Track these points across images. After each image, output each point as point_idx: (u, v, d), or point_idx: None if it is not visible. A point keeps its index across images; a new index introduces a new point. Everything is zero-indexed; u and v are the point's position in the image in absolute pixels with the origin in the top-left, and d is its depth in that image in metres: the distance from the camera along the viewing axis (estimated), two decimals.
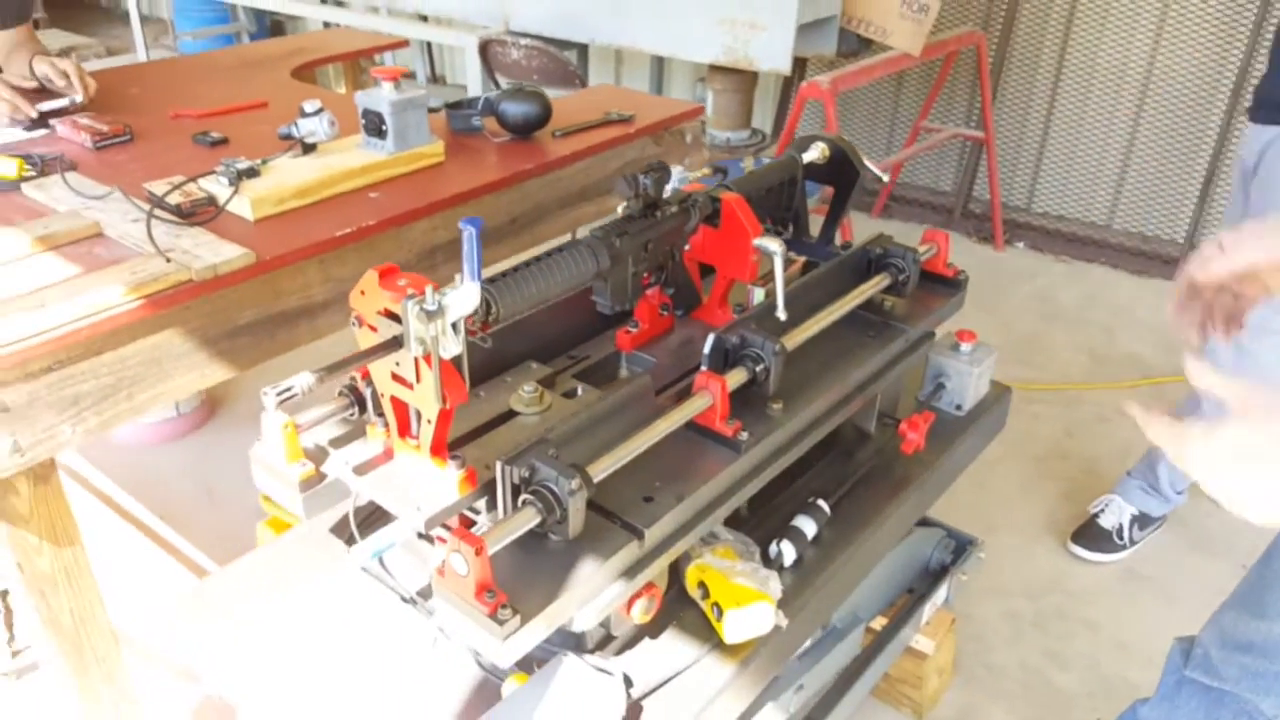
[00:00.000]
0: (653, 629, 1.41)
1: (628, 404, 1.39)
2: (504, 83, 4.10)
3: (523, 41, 3.86)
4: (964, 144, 4.78)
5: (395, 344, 1.13)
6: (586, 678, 1.22)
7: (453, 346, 1.12)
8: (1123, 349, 3.76)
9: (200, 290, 1.54)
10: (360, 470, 1.26)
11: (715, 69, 3.89)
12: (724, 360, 1.45)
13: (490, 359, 1.52)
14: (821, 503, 1.61)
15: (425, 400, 1.16)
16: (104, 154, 2.05)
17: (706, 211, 1.56)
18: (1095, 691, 2.22)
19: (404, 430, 1.24)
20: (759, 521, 1.64)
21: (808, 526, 1.56)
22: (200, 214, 1.72)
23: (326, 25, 5.53)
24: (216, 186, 1.77)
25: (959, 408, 1.93)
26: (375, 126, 1.93)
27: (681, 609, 1.45)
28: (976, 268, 4.41)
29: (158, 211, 1.69)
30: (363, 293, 1.16)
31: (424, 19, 4.90)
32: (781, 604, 1.43)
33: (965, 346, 1.92)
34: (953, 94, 4.79)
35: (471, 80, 4.27)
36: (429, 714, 1.32)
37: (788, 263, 1.85)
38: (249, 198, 1.72)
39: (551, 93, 3.29)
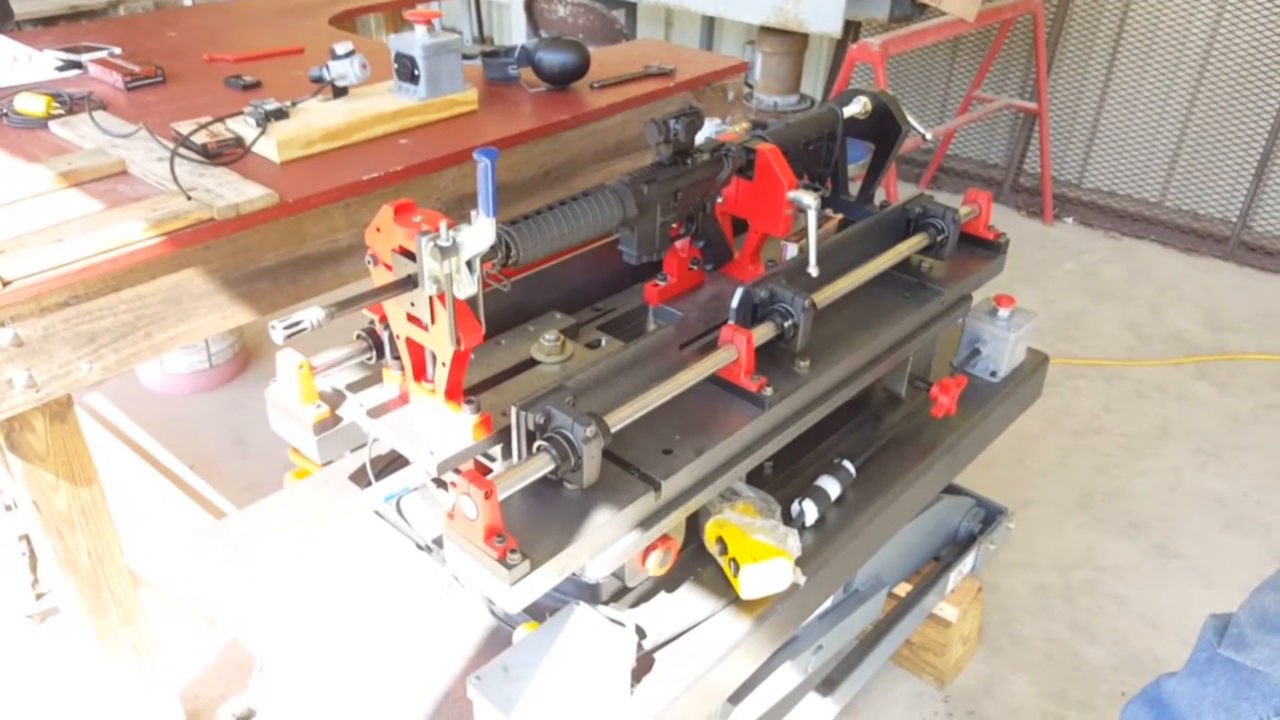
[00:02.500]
0: (669, 583, 1.39)
1: (650, 355, 1.36)
2: None
3: (569, 0, 3.80)
4: (1016, 115, 4.65)
5: (410, 283, 1.11)
6: (598, 627, 1.20)
7: (468, 286, 1.09)
8: (1168, 326, 3.66)
9: (222, 230, 1.52)
10: (375, 413, 1.25)
11: (765, 30, 3.80)
12: (752, 315, 1.42)
13: (514, 307, 1.50)
14: (847, 464, 1.57)
15: (440, 342, 1.14)
16: (135, 94, 2.04)
17: (740, 162, 1.51)
18: (1121, 666, 2.17)
19: (419, 374, 1.22)
20: (784, 480, 1.61)
21: (831, 487, 1.53)
22: (226, 154, 1.71)
23: None
24: (244, 128, 1.76)
25: (994, 374, 1.88)
26: (408, 71, 1.90)
27: (700, 564, 1.42)
28: (1024, 241, 4.33)
29: (183, 151, 1.68)
30: (378, 230, 1.13)
31: None
32: (800, 562, 1.40)
33: (1003, 312, 1.87)
34: (1008, 63, 4.65)
35: (517, 39, 4.23)
36: (442, 660, 1.31)
37: (823, 219, 1.81)
38: (275, 139, 1.70)
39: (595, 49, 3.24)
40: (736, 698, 1.52)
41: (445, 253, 1.05)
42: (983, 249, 1.80)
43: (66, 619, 1.69)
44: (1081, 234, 4.45)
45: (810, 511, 1.49)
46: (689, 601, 1.37)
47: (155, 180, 1.63)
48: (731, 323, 1.39)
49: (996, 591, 2.36)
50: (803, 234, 1.54)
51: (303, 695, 1.35)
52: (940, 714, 2.07)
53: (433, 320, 1.13)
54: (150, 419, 2.90)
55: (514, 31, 4.18)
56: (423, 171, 1.77)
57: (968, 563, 2.05)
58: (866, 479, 1.61)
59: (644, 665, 1.27)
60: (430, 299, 1.11)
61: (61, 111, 1.87)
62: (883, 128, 1.75)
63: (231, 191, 1.56)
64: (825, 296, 1.48)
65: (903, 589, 1.99)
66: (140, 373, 3.03)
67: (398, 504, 1.47)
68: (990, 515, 2.15)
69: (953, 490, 2.13)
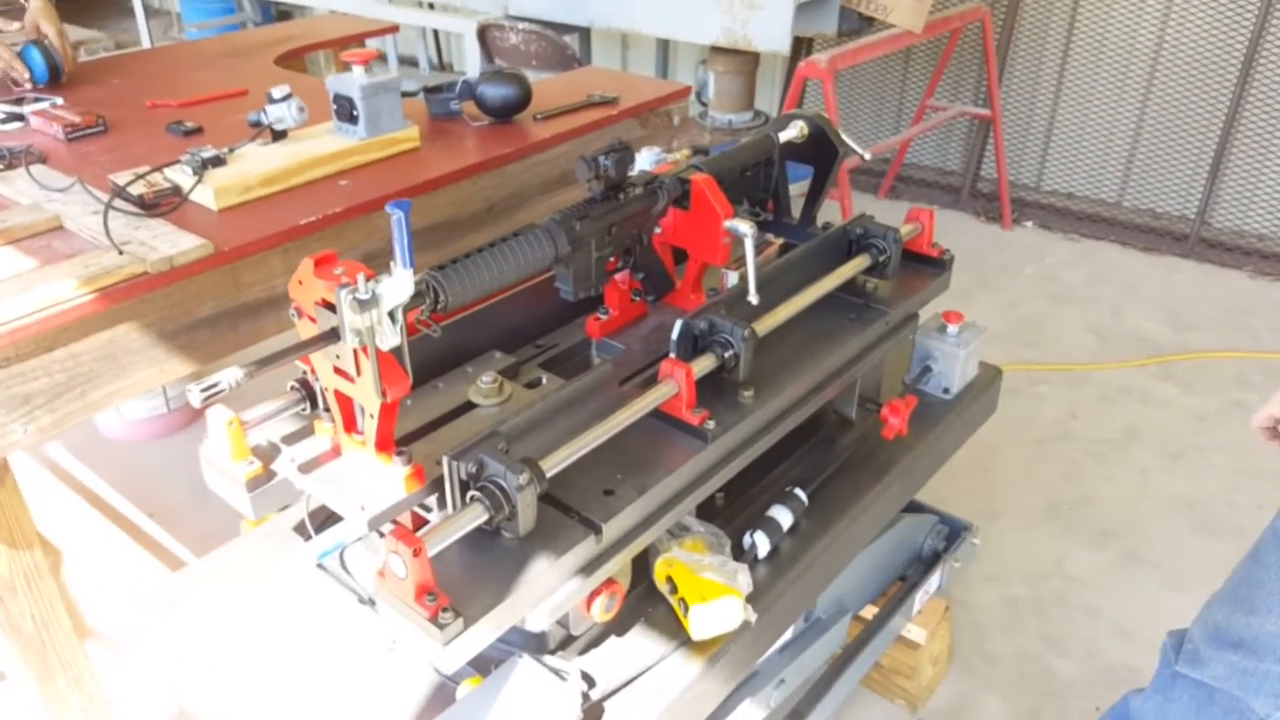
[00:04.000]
0: (619, 626, 1.37)
1: (589, 394, 1.35)
2: (503, 67, 4.06)
3: (520, 26, 3.80)
4: (972, 122, 4.68)
5: (333, 336, 1.09)
6: (540, 680, 1.18)
7: (390, 337, 1.07)
8: (1130, 327, 3.68)
9: (156, 283, 1.50)
10: (306, 468, 1.22)
11: (716, 50, 3.82)
12: (692, 347, 1.41)
13: (452, 349, 1.48)
14: (799, 491, 1.56)
15: (366, 394, 1.12)
16: (76, 145, 2.01)
17: (675, 193, 1.50)
18: (1095, 680, 2.17)
19: (349, 425, 1.20)
20: (736, 511, 1.60)
21: (783, 516, 1.52)
22: (163, 205, 1.69)
23: (333, 14, 5.50)
24: (181, 176, 1.74)
25: (947, 391, 1.88)
26: (347, 111, 1.88)
27: (651, 604, 1.40)
28: (983, 247, 4.35)
29: (119, 203, 1.66)
30: (300, 282, 1.12)
31: (431, 6, 4.87)
32: (753, 597, 1.39)
33: (953, 328, 1.87)
34: (960, 71, 4.69)
35: (471, 66, 4.22)
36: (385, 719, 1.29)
37: (764, 244, 1.81)
38: (212, 187, 1.68)
39: (549, 76, 3.23)
40: None
41: (364, 305, 1.03)
42: (928, 266, 1.80)
43: (12, 684, 1.65)
44: (1041, 237, 4.48)
45: (762, 543, 1.48)
46: (639, 645, 1.35)
47: (90, 235, 1.60)
48: (672, 356, 1.39)
49: (967, 607, 2.35)
50: (743, 261, 1.53)
51: None
52: None
53: (358, 373, 1.11)
54: (108, 467, 2.85)
55: (470, 59, 4.17)
56: (363, 212, 1.76)
57: (933, 582, 2.04)
58: (820, 505, 1.59)
59: (593, 715, 1.25)
60: (354, 351, 1.09)
61: (0, 167, 1.85)
62: (820, 150, 1.75)
63: (165, 244, 1.54)
64: (766, 324, 1.47)
65: (869, 612, 1.98)
66: (98, 419, 2.99)
67: (340, 557, 1.45)
68: (954, 532, 2.14)
69: (915, 508, 2.12)
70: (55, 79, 2.33)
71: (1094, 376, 3.35)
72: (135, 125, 2.12)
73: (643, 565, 1.42)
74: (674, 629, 1.36)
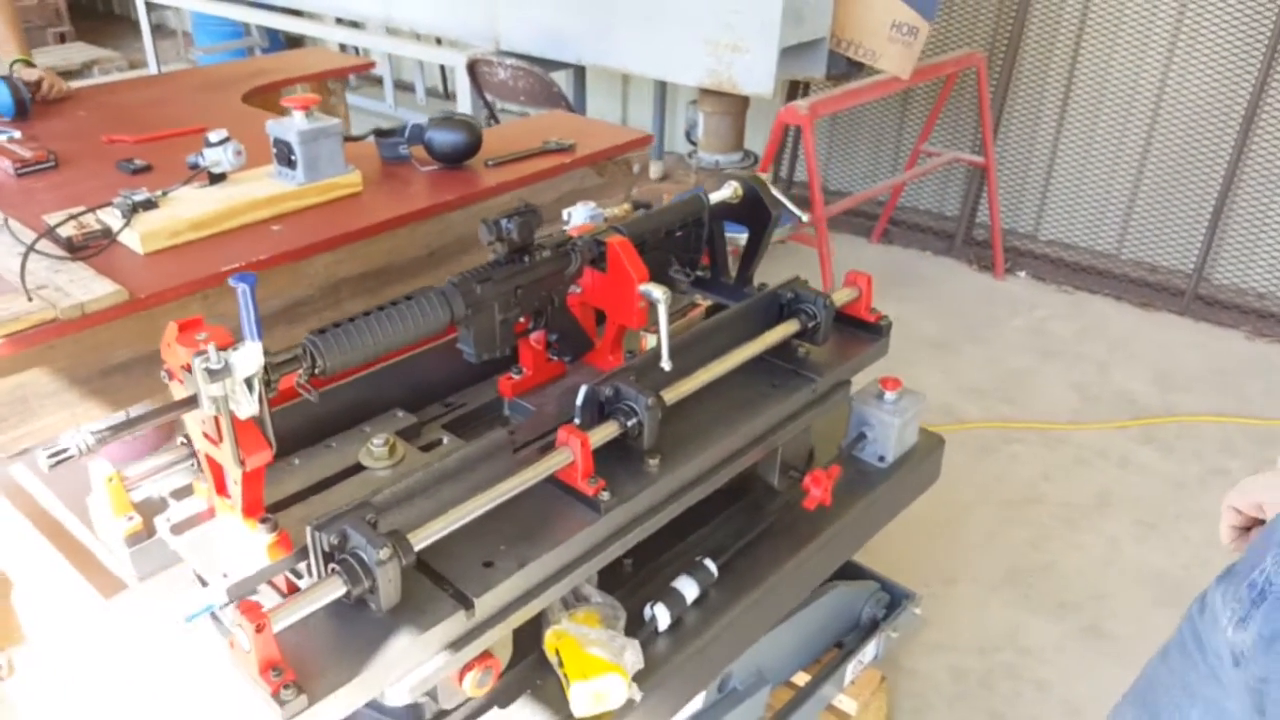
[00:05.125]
0: (503, 697, 1.34)
1: (480, 460, 1.32)
2: (492, 101, 4.08)
3: (508, 62, 3.82)
4: (970, 168, 4.65)
5: (194, 402, 1.08)
6: None
7: (247, 406, 1.06)
8: (1115, 386, 3.61)
9: (66, 329, 1.50)
10: (178, 529, 1.21)
11: (706, 91, 3.82)
12: (598, 413, 1.38)
13: (354, 405, 1.47)
14: (708, 562, 1.52)
15: (228, 460, 1.10)
16: (24, 180, 2.03)
17: (590, 255, 1.49)
18: None
19: (220, 488, 1.18)
20: (644, 579, 1.56)
21: (688, 588, 1.48)
22: (92, 247, 1.69)
23: (342, 47, 5.57)
24: (112, 218, 1.74)
25: (882, 459, 1.83)
26: (285, 156, 1.89)
27: (540, 676, 1.37)
28: (973, 297, 4.31)
29: (46, 245, 1.66)
30: (168, 345, 1.11)
31: (439, 41, 4.96)
32: (647, 672, 1.36)
33: (890, 395, 1.83)
34: (958, 116, 4.66)
35: (462, 99, 4.25)
36: None
37: (689, 306, 1.78)
38: (139, 232, 1.69)
39: (535, 113, 3.23)
40: None
41: (214, 375, 1.02)
42: (864, 332, 1.77)
43: None
44: (1033, 288, 4.42)
45: (663, 616, 1.45)
46: (523, 719, 1.32)
47: (12, 277, 1.61)
48: (576, 422, 1.36)
49: (912, 676, 2.30)
50: None
51: None
52: None
53: (220, 438, 1.10)
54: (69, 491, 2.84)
55: (458, 92, 4.20)
56: (290, 260, 1.75)
57: (868, 652, 1.99)
58: (732, 576, 1.56)
59: None
60: (215, 418, 1.08)
61: None
62: (755, 211, 1.73)
63: (80, 290, 1.54)
64: (679, 391, 1.44)
65: (802, 679, 1.94)
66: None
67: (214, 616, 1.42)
68: (896, 600, 2.09)
69: (855, 573, 2.08)
70: (21, 112, 2.35)
71: (1072, 437, 3.29)
72: (86, 161, 2.13)
73: (537, 633, 1.39)
74: (560, 703, 1.33)
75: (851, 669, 1.95)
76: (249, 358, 1.02)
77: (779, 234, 3.53)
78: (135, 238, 1.69)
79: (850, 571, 2.07)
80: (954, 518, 2.82)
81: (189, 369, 1.08)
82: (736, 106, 3.92)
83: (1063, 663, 2.36)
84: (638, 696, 1.31)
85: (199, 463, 1.24)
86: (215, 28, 6.57)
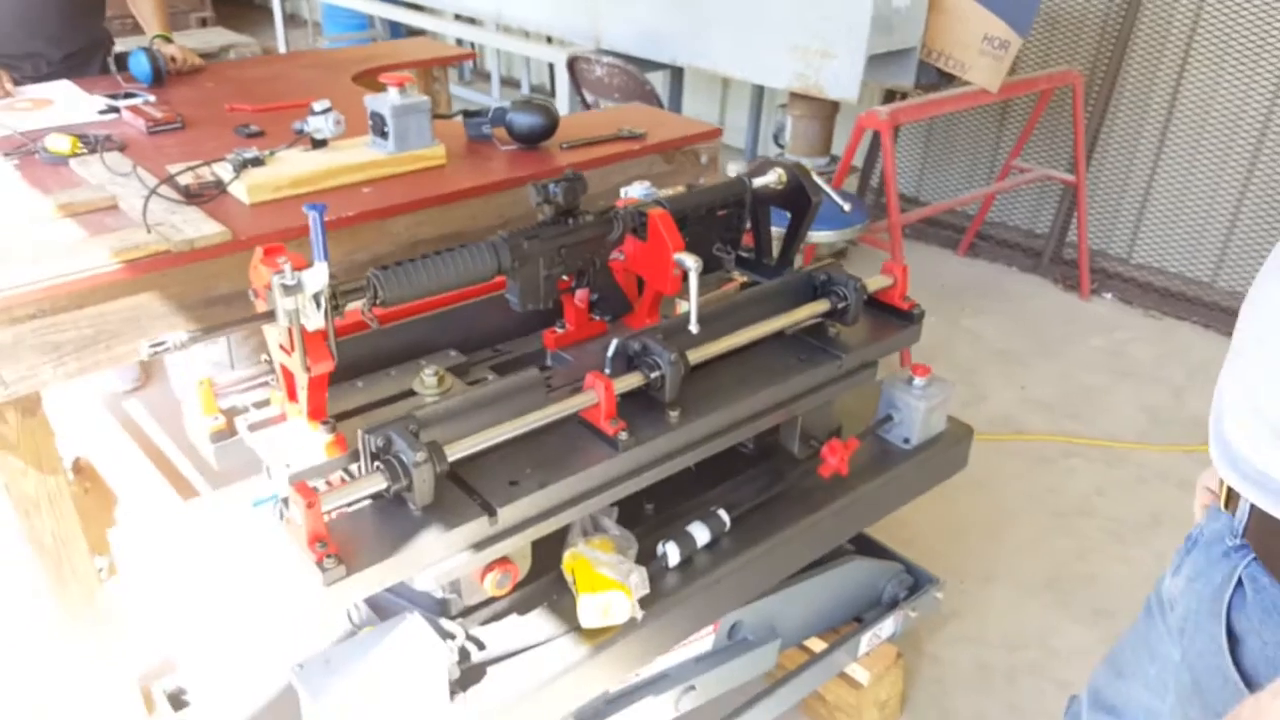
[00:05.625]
0: (522, 605, 1.50)
1: (513, 394, 1.49)
2: (589, 97, 4.28)
3: (605, 60, 4.01)
4: (1064, 187, 4.63)
5: (272, 315, 1.27)
6: (421, 635, 1.32)
7: (314, 319, 1.24)
8: (1189, 412, 3.57)
9: (178, 260, 1.72)
10: (254, 428, 1.41)
11: (795, 95, 3.93)
12: (626, 364, 1.53)
13: (415, 343, 1.65)
14: (721, 512, 1.65)
15: (297, 367, 1.29)
16: (155, 138, 2.29)
17: (631, 224, 1.64)
18: None
19: (291, 394, 1.38)
20: (662, 522, 1.70)
21: (700, 532, 1.61)
22: (205, 194, 1.92)
23: (459, 42, 5.89)
24: (225, 172, 1.97)
25: (907, 441, 1.93)
26: (379, 128, 2.09)
27: (557, 592, 1.53)
28: (1053, 315, 4.30)
29: (166, 190, 1.90)
30: (255, 267, 1.30)
31: (549, 40, 5.27)
32: (651, 600, 1.50)
33: (919, 380, 1.92)
34: (1056, 133, 4.64)
35: (562, 95, 4.47)
36: (292, 655, 1.44)
37: (723, 281, 1.91)
38: (246, 184, 1.91)
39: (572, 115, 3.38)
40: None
41: (289, 290, 1.21)
42: (896, 318, 1.87)
43: (34, 597, 1.89)
44: (1118, 310, 4.38)
45: (672, 553, 1.58)
46: (536, 624, 1.48)
47: (137, 215, 1.85)
48: (607, 372, 1.51)
49: (935, 661, 2.37)
50: None
51: (199, 681, 1.51)
52: None
53: (292, 348, 1.29)
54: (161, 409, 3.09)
55: (557, 86, 4.43)
56: (376, 217, 1.95)
57: (885, 627, 2.08)
58: (744, 528, 1.68)
59: (474, 675, 1.38)
60: (289, 329, 1.27)
61: (84, 151, 2.13)
62: (797, 198, 1.85)
63: (191, 229, 1.77)
64: (703, 353, 1.58)
65: (818, 645, 2.04)
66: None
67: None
68: (919, 582, 2.17)
69: (880, 553, 2.17)
70: (158, 80, 2.64)
71: (1133, 456, 3.28)
72: (209, 124, 2.39)
73: (558, 556, 1.54)
74: (572, 615, 1.48)
75: (867, 640, 2.05)
76: (317, 276, 1.21)
77: (849, 233, 3.61)
78: (243, 189, 1.92)
79: (876, 553, 2.17)
80: (1000, 522, 2.87)
81: (269, 287, 1.27)
82: (824, 111, 4.02)
83: (1090, 666, 2.37)
84: (639, 615, 1.45)
85: (276, 375, 1.43)
86: (344, 19, 6.99)
